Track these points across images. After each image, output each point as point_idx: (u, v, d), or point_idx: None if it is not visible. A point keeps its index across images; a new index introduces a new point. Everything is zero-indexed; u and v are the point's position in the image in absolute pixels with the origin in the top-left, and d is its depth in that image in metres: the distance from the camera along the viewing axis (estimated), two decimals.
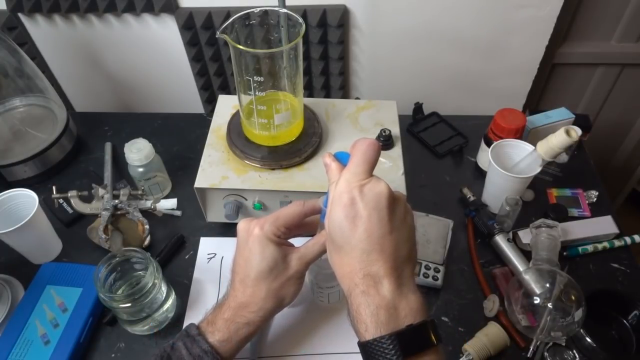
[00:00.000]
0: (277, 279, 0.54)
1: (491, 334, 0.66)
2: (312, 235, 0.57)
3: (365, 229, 0.44)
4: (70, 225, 0.83)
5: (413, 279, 0.45)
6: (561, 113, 0.87)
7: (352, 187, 0.44)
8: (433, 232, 0.77)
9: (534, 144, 0.75)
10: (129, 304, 0.62)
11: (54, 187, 0.80)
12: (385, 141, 0.75)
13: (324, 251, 0.54)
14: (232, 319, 0.54)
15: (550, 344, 0.65)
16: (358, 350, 0.44)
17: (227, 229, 0.80)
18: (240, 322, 0.54)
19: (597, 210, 0.82)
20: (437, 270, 0.73)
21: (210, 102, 1.18)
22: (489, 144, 0.83)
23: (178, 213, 0.83)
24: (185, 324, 0.70)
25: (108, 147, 0.92)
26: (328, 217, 0.46)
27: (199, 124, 0.98)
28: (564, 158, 0.90)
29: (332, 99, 0.85)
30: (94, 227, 0.77)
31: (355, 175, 0.45)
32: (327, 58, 1.06)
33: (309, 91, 1.13)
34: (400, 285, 0.44)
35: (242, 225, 0.56)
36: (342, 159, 0.50)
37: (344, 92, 1.14)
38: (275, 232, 0.54)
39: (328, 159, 0.50)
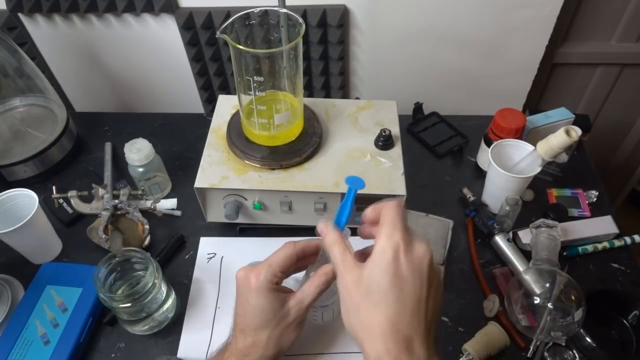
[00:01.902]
0: (277, 327, 0.53)
1: (491, 334, 0.66)
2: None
3: (405, 289, 0.43)
4: (70, 225, 0.83)
5: (437, 344, 0.45)
6: (561, 113, 0.87)
7: (396, 244, 0.44)
8: (433, 232, 0.77)
9: (534, 144, 0.75)
10: (129, 304, 0.62)
11: (54, 187, 0.80)
12: (385, 141, 0.75)
13: (321, 293, 0.54)
14: None
15: (550, 344, 0.65)
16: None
17: (227, 229, 0.80)
18: None
19: (597, 210, 0.82)
20: None
21: (210, 102, 1.18)
22: (489, 144, 0.83)
23: (178, 213, 0.83)
24: (185, 324, 0.70)
25: (108, 147, 0.92)
26: (366, 271, 0.45)
27: (199, 124, 0.98)
28: (564, 158, 0.90)
29: (332, 99, 0.85)
30: (94, 227, 0.77)
31: (398, 232, 0.45)
32: (327, 58, 1.06)
33: (309, 91, 1.13)
34: (430, 350, 0.43)
35: (240, 275, 0.55)
36: (355, 183, 0.52)
37: (344, 92, 1.14)
38: (271, 280, 0.53)
39: (322, 225, 0.51)
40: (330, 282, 0.53)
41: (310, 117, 0.78)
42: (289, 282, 0.56)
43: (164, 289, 0.68)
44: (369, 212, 0.49)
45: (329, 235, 0.50)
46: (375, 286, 0.44)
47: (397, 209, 0.46)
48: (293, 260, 0.55)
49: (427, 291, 0.44)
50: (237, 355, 0.54)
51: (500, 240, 0.75)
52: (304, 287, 0.54)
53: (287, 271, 0.55)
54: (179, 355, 0.67)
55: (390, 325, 0.42)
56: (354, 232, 0.52)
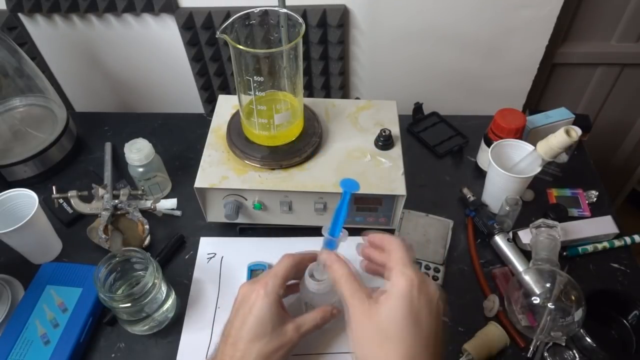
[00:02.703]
0: (270, 343, 0.53)
1: (491, 334, 0.66)
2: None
3: (421, 325, 0.44)
4: (70, 225, 0.83)
5: None
6: (561, 113, 0.87)
7: (410, 280, 0.46)
8: (433, 232, 0.77)
9: (534, 144, 0.75)
10: (129, 304, 0.62)
11: (54, 187, 0.80)
12: (385, 141, 0.75)
13: (320, 326, 0.55)
14: None
15: (550, 344, 0.65)
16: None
17: (227, 229, 0.80)
18: None
19: (597, 210, 0.82)
20: (437, 270, 0.73)
21: (210, 102, 1.18)
22: (489, 144, 0.83)
23: (178, 213, 0.83)
24: (185, 324, 0.70)
25: (108, 147, 0.92)
26: (381, 306, 0.46)
27: (199, 124, 0.98)
28: (564, 158, 0.90)
29: (332, 99, 0.85)
30: (94, 227, 0.77)
31: (410, 269, 0.47)
32: (327, 58, 1.06)
33: (309, 91, 1.13)
34: None
35: (244, 289, 0.55)
36: (350, 186, 0.55)
37: (344, 92, 1.14)
38: (278, 290, 0.54)
39: (326, 257, 0.53)
40: (330, 320, 0.55)
41: (310, 117, 0.78)
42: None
43: (164, 289, 0.68)
44: (373, 239, 0.52)
45: (336, 268, 0.51)
46: (391, 321, 0.44)
47: (404, 245, 0.49)
48: (293, 271, 0.56)
49: (439, 326, 0.46)
50: None
51: (500, 240, 0.75)
52: (306, 315, 0.55)
53: (287, 284, 0.56)
54: (179, 355, 0.67)
55: (407, 359, 0.43)
56: (354, 232, 0.53)
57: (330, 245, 0.56)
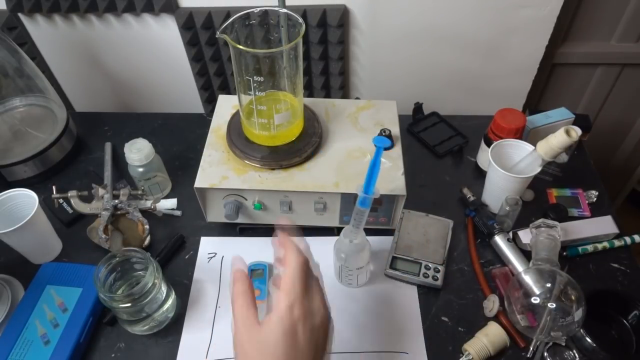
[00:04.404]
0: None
1: (491, 334, 0.66)
2: None
3: (298, 352, 0.44)
4: (70, 225, 0.83)
5: None
6: (561, 113, 0.87)
7: (290, 306, 0.45)
8: (433, 232, 0.77)
9: (534, 144, 0.75)
10: (129, 304, 0.62)
11: (54, 187, 0.80)
12: None
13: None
14: None
15: (550, 344, 0.65)
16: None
17: (227, 229, 0.80)
18: None
19: (597, 210, 0.82)
20: (437, 270, 0.73)
21: (210, 102, 1.18)
22: (489, 144, 0.83)
23: (178, 213, 0.83)
24: (185, 324, 0.70)
25: (108, 147, 0.92)
26: (263, 327, 0.45)
27: (199, 124, 0.98)
28: (564, 158, 0.90)
29: (332, 99, 0.85)
30: (94, 227, 0.77)
31: (291, 292, 0.46)
32: (327, 58, 1.06)
33: (309, 91, 1.13)
34: None
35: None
36: (382, 141, 0.61)
37: (344, 92, 1.14)
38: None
39: (236, 271, 0.50)
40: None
41: (310, 117, 0.78)
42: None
43: (164, 289, 0.68)
44: (279, 242, 0.50)
45: (237, 284, 0.49)
46: (269, 343, 0.44)
47: (299, 261, 0.47)
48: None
49: (320, 353, 0.46)
50: None
51: (500, 240, 0.75)
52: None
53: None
54: (179, 355, 0.67)
55: None
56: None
57: (364, 203, 0.59)
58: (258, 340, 0.45)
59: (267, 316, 0.46)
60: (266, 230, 0.79)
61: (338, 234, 0.67)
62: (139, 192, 0.80)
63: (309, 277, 0.48)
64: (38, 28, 1.07)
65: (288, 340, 0.44)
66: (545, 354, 0.65)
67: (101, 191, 0.79)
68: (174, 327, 0.70)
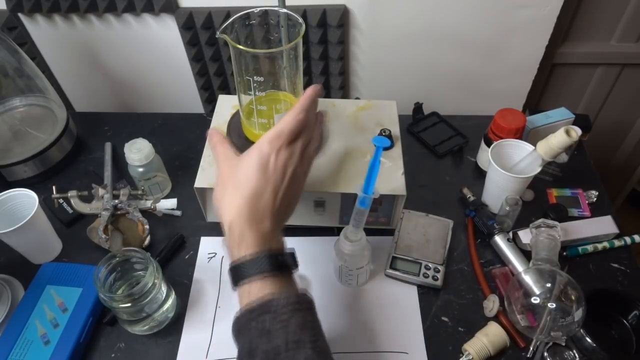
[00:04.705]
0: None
1: (491, 334, 0.66)
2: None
3: (267, 179, 0.53)
4: (70, 225, 0.83)
5: (282, 228, 0.56)
6: (561, 113, 0.87)
7: (271, 148, 0.54)
8: (433, 232, 0.77)
9: (534, 144, 0.75)
10: (129, 304, 0.62)
11: (54, 187, 0.80)
12: None
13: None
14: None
15: (550, 344, 0.65)
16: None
17: None
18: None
19: (597, 210, 0.82)
20: (437, 270, 0.73)
21: (210, 102, 1.18)
22: (489, 144, 0.83)
23: (178, 213, 0.83)
24: (185, 324, 0.70)
25: (108, 147, 0.92)
26: (242, 160, 0.55)
27: (199, 124, 0.98)
28: (564, 158, 0.90)
29: (332, 99, 0.85)
30: (94, 227, 0.77)
31: (279, 139, 0.54)
32: (327, 58, 1.06)
33: None
34: (274, 226, 0.54)
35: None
36: (382, 141, 0.62)
37: (344, 92, 1.14)
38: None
39: (210, 130, 0.62)
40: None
41: None
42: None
43: (164, 289, 0.68)
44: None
45: (213, 137, 0.60)
46: (244, 171, 0.54)
47: (296, 122, 0.55)
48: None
49: (287, 186, 0.54)
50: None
51: (500, 240, 0.75)
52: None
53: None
54: (179, 355, 0.67)
55: (248, 200, 0.52)
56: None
57: (364, 203, 0.59)
58: (235, 165, 0.55)
59: (245, 152, 0.55)
60: None
61: (338, 234, 0.67)
62: (139, 192, 0.80)
63: (297, 128, 0.55)
64: (38, 28, 1.07)
65: (260, 169, 0.53)
66: (545, 354, 0.65)
67: (101, 191, 0.79)
68: (174, 327, 0.70)
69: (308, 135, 0.58)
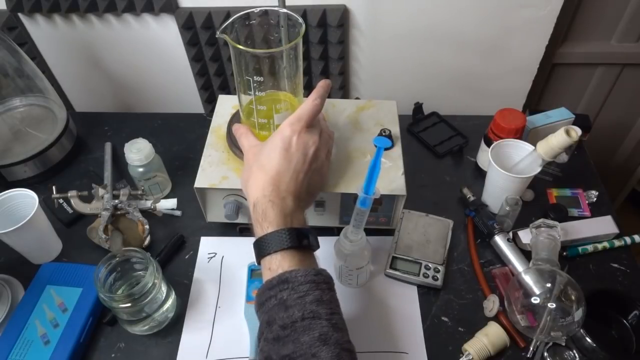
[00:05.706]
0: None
1: (491, 334, 0.66)
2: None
3: (291, 161, 0.57)
4: (70, 225, 0.83)
5: (304, 210, 0.59)
6: (561, 113, 0.87)
7: (293, 130, 0.58)
8: (433, 232, 0.77)
9: (534, 144, 0.75)
10: (129, 304, 0.62)
11: (54, 187, 0.80)
12: None
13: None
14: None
15: (550, 344, 0.65)
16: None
17: (227, 229, 0.80)
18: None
19: (597, 210, 0.82)
20: (437, 270, 0.73)
21: (210, 102, 1.18)
22: (489, 144, 0.83)
23: (178, 213, 0.83)
24: (185, 324, 0.70)
25: (108, 147, 0.92)
26: (265, 143, 0.59)
27: (199, 124, 0.98)
28: (564, 158, 0.90)
29: (332, 99, 0.85)
30: (94, 227, 0.77)
31: (299, 123, 0.59)
32: (327, 58, 1.06)
33: (309, 91, 1.12)
34: (298, 206, 0.57)
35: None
36: (382, 142, 0.62)
37: (344, 92, 1.14)
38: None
39: (235, 126, 0.68)
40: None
41: None
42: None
43: (164, 289, 0.68)
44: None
45: (239, 130, 0.66)
46: (267, 153, 0.58)
47: (313, 106, 0.60)
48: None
49: (308, 167, 0.58)
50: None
51: (500, 240, 0.75)
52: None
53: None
54: (179, 355, 0.67)
55: (272, 180, 0.56)
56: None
57: (364, 203, 0.59)
58: (260, 150, 0.60)
59: (268, 138, 0.60)
60: None
61: (338, 234, 0.67)
62: (139, 192, 0.80)
63: (314, 113, 0.60)
64: (38, 28, 1.07)
65: (283, 144, 0.57)
66: (545, 354, 0.65)
67: (101, 191, 0.79)
68: (174, 327, 0.70)
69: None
